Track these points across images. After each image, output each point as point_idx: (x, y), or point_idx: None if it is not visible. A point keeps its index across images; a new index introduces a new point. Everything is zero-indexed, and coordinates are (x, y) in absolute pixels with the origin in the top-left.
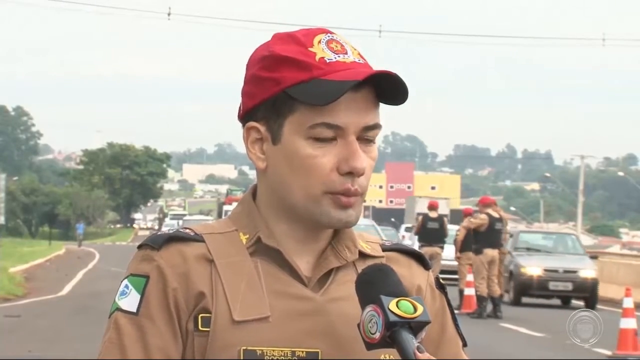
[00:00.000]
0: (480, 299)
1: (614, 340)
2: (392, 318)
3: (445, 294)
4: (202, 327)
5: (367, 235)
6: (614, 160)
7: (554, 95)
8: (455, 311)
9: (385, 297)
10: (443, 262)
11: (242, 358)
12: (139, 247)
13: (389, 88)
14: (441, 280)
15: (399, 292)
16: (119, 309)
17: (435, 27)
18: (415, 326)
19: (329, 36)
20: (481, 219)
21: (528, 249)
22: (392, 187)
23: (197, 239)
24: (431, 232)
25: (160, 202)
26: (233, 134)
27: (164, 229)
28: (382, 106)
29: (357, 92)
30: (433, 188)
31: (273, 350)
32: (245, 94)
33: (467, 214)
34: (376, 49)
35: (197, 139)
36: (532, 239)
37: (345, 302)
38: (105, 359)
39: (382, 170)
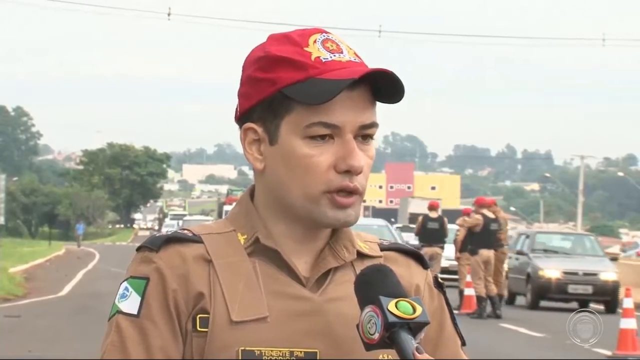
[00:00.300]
0: (479, 299)
1: (614, 340)
2: (391, 319)
3: (444, 293)
4: (200, 327)
5: (365, 235)
6: (614, 160)
7: (554, 95)
8: (455, 311)
9: (384, 298)
10: (445, 263)
11: (240, 358)
12: (138, 249)
13: (385, 86)
14: (440, 280)
15: (398, 292)
16: (119, 312)
17: (434, 27)
18: (414, 327)
19: (324, 36)
20: (476, 219)
21: (545, 251)
22: (392, 187)
23: (196, 239)
24: (431, 232)
25: (160, 202)
26: (233, 134)
27: (164, 230)
28: (383, 106)
29: (354, 91)
30: (433, 188)
31: (271, 351)
32: (241, 95)
33: (467, 214)
34: (375, 49)
35: (197, 139)
36: (549, 240)
37: (343, 302)
38: None
39: (382, 170)
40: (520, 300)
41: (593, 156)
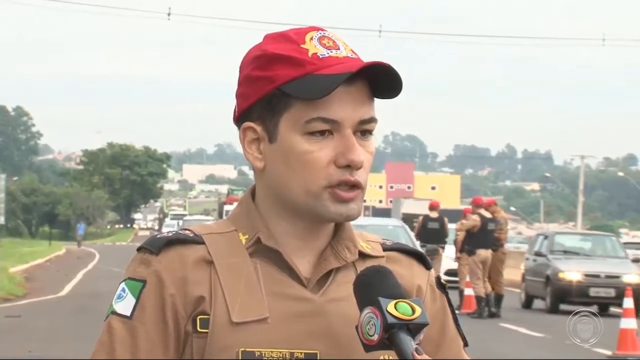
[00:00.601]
0: (478, 299)
1: (614, 340)
2: (390, 320)
3: (446, 294)
4: (200, 328)
5: (368, 235)
6: (614, 160)
7: (554, 95)
8: (456, 311)
9: (384, 299)
10: (449, 264)
11: (240, 359)
12: (139, 249)
13: (382, 81)
14: (442, 281)
15: (397, 294)
16: (114, 312)
17: (434, 27)
18: (414, 328)
19: (320, 33)
20: (473, 219)
21: (565, 252)
22: (392, 187)
23: (197, 240)
24: (432, 232)
25: (160, 202)
26: (233, 134)
27: (164, 230)
28: (383, 106)
29: (352, 86)
30: (433, 188)
31: (271, 352)
32: (239, 95)
33: (468, 214)
34: (375, 49)
35: (197, 139)
36: (569, 241)
37: (344, 303)
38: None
39: (382, 170)
40: (537, 303)
41: (593, 156)
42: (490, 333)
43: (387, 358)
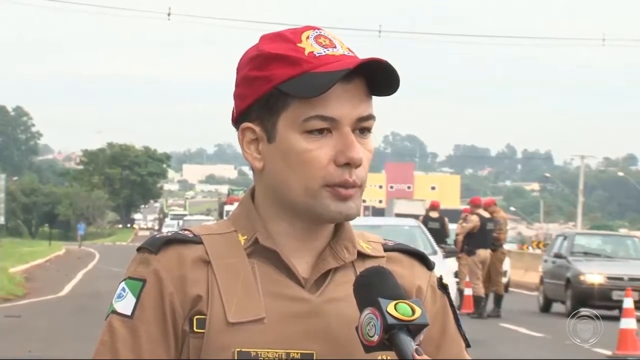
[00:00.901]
0: (477, 299)
1: (614, 340)
2: (390, 321)
3: (448, 295)
4: (197, 328)
5: (369, 235)
6: (614, 160)
7: (554, 95)
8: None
9: (384, 300)
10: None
11: (236, 359)
12: (138, 249)
13: (380, 78)
14: (444, 281)
15: (397, 294)
16: (114, 312)
17: (434, 27)
18: (414, 329)
19: (316, 32)
20: (472, 221)
21: (586, 254)
22: (392, 187)
23: (196, 240)
24: (432, 232)
25: (160, 202)
26: (233, 134)
27: (164, 230)
28: (383, 107)
29: (349, 83)
30: (433, 188)
31: (267, 352)
32: (237, 96)
33: (466, 214)
34: (375, 49)
35: (197, 139)
36: (589, 243)
37: (342, 303)
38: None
39: (382, 170)
40: (557, 307)
41: (593, 156)
42: (490, 333)
43: (385, 358)
